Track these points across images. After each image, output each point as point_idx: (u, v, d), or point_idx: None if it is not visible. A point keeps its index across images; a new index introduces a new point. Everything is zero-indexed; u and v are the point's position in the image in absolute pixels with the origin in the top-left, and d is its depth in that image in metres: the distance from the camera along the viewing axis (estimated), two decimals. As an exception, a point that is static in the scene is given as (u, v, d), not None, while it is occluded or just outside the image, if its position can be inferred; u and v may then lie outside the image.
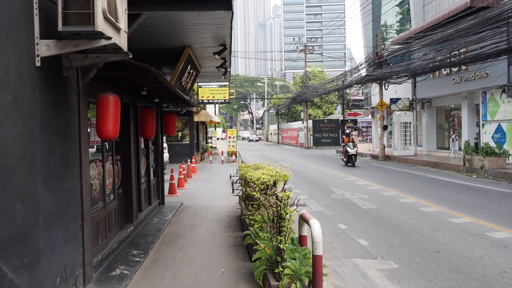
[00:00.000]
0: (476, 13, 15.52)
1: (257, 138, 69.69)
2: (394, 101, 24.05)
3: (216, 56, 7.20)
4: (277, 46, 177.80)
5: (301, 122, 45.28)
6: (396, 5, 35.05)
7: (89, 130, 5.10)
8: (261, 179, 5.28)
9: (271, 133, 66.32)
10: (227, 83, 24.66)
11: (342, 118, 39.23)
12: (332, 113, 48.68)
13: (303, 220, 4.18)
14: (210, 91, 24.73)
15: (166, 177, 12.61)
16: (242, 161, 11.43)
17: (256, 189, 5.08)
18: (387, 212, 9.03)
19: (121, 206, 6.64)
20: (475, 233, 7.17)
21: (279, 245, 3.90)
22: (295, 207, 3.96)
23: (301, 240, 4.47)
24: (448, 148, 21.72)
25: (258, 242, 4.56)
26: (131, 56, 3.96)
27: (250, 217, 5.74)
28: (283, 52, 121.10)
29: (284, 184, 5.24)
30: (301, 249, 4.23)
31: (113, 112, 4.41)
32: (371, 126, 34.52)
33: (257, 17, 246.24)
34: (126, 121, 6.84)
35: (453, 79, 19.59)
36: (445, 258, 5.88)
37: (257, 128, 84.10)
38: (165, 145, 16.64)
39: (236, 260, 5.71)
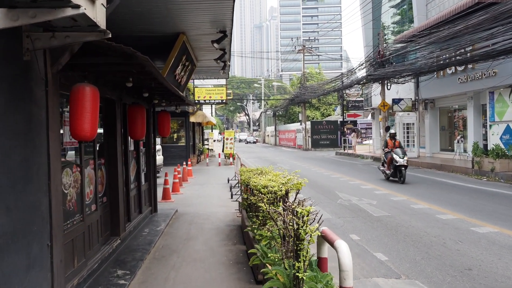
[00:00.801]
0: (485, 9, 14.81)
1: (254, 140, 68.93)
2: (396, 101, 23.29)
3: (215, 44, 6.34)
4: (273, 48, 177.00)
5: (299, 123, 44.48)
6: (393, 6, 34.39)
7: (63, 129, 4.26)
8: (269, 187, 4.45)
9: (268, 135, 65.50)
10: (224, 83, 23.88)
11: (341, 119, 38.45)
12: (330, 115, 47.91)
13: (324, 240, 3.37)
14: (206, 91, 23.93)
15: (160, 180, 11.76)
16: (241, 165, 10.59)
17: (265, 199, 4.25)
18: (401, 220, 8.25)
19: (106, 217, 5.79)
20: (505, 245, 6.41)
21: (297, 273, 3.07)
22: (317, 225, 3.13)
23: (321, 263, 3.65)
24: (452, 150, 21.01)
25: (268, 265, 3.74)
26: (110, 36, 3.13)
27: (256, 231, 4.89)
28: (279, 53, 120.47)
29: (297, 193, 4.41)
30: (321, 275, 3.41)
31: (90, 106, 3.59)
32: (371, 128, 33.76)
33: (253, 19, 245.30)
34: (112, 120, 6.01)
35: (459, 78, 18.87)
36: (480, 277, 5.10)
37: (254, 130, 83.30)
38: (158, 147, 15.80)
39: (239, 282, 4.87)
